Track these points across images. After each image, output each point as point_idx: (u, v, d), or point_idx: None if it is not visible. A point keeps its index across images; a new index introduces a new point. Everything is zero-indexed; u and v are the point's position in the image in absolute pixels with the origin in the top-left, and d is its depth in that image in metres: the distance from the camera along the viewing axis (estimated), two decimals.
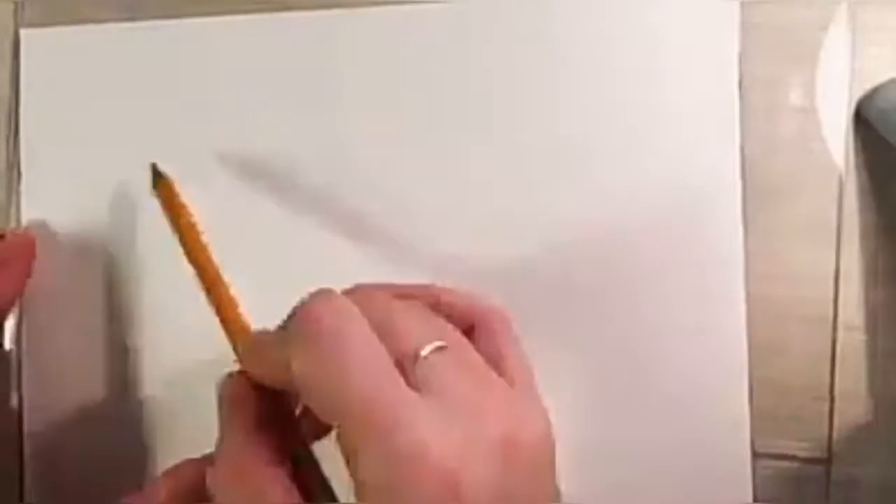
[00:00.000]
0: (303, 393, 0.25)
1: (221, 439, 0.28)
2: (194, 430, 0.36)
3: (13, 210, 0.38)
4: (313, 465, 0.28)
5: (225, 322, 0.31)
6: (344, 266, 0.36)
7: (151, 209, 0.37)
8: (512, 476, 0.25)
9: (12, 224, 0.37)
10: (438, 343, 0.26)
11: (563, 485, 0.34)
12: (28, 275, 0.36)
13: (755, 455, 0.34)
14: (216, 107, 0.37)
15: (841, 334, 0.34)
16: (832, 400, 0.34)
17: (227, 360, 0.36)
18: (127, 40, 0.37)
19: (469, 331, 0.30)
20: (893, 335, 0.34)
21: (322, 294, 0.26)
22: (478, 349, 0.29)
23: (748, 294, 0.34)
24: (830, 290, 0.34)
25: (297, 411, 0.29)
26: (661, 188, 0.34)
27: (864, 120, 0.33)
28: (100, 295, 0.37)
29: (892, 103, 0.32)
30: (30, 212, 0.37)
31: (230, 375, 0.29)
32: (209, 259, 0.32)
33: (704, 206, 0.34)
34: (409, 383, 0.25)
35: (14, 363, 0.37)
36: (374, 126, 0.36)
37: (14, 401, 0.37)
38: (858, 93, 0.34)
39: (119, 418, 0.37)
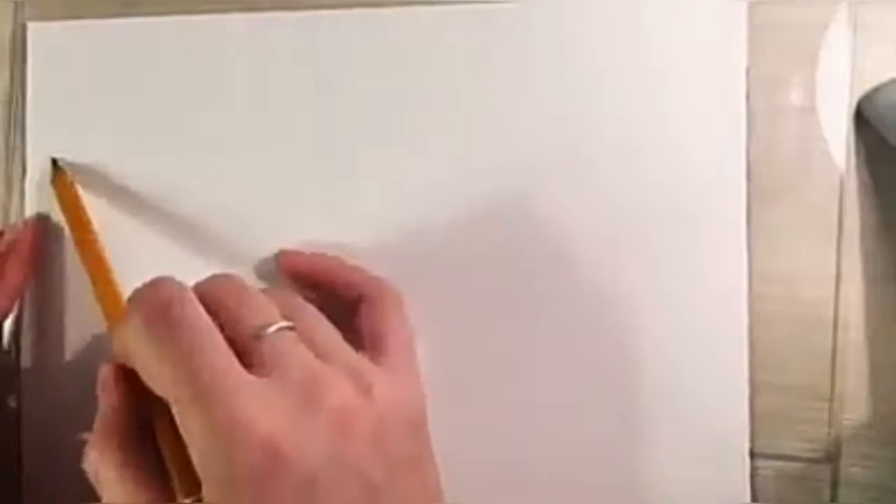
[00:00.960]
0: (139, 371, 0.27)
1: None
2: None
3: (15, 207, 0.38)
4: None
5: (106, 314, 0.33)
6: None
7: (153, 205, 0.37)
8: (352, 445, 0.26)
9: (14, 221, 0.37)
10: (283, 323, 0.28)
11: (564, 484, 0.34)
12: (30, 270, 0.36)
13: (755, 455, 0.34)
14: (221, 103, 0.37)
15: (841, 334, 0.34)
16: (832, 400, 0.34)
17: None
18: (134, 35, 0.37)
19: (356, 304, 0.33)
20: (894, 335, 0.34)
21: (157, 279, 0.29)
22: (358, 321, 0.32)
23: (749, 294, 0.34)
24: (831, 289, 0.34)
25: None
26: (665, 188, 0.34)
27: (864, 119, 0.33)
28: None
29: (893, 103, 0.32)
30: (32, 206, 0.37)
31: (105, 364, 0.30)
32: (98, 256, 0.34)
33: (708, 205, 0.34)
34: (246, 363, 0.26)
35: (13, 361, 0.37)
36: (375, 127, 0.36)
37: (13, 399, 0.37)
38: (859, 92, 0.34)
39: None
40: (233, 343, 0.27)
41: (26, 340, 0.37)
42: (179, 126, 0.37)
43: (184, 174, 0.37)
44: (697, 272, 0.34)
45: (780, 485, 0.34)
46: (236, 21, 0.37)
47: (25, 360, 0.37)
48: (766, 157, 0.34)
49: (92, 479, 0.29)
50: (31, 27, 0.38)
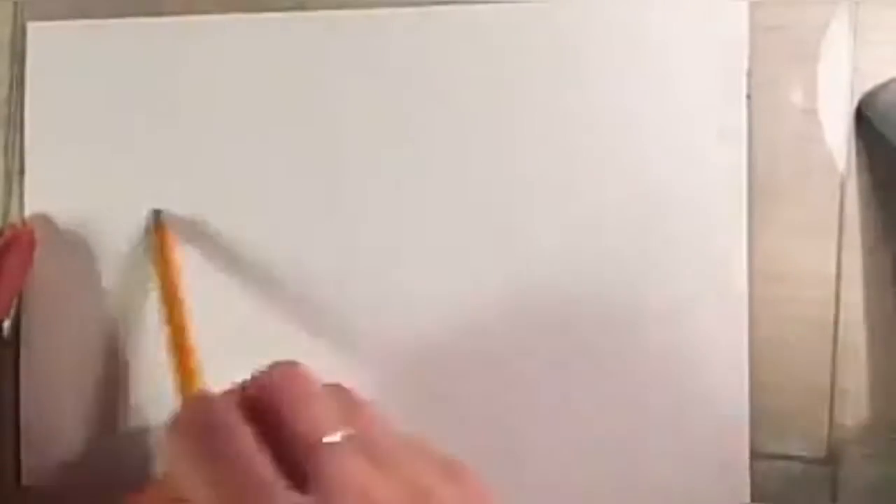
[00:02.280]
0: (184, 492, 0.26)
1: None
2: None
3: (15, 206, 0.38)
4: None
5: (178, 385, 0.32)
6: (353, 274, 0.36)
7: (152, 205, 0.37)
8: None
9: (13, 220, 0.37)
10: (342, 432, 0.26)
11: (564, 485, 0.34)
12: (28, 268, 0.36)
13: (755, 455, 0.34)
14: (222, 103, 0.37)
15: (842, 334, 0.34)
16: (832, 400, 0.34)
17: (227, 358, 0.36)
18: (134, 35, 0.37)
19: None
20: (894, 335, 0.34)
21: (201, 398, 0.27)
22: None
23: (749, 294, 0.34)
24: (832, 289, 0.34)
25: None
26: (666, 188, 0.34)
27: (865, 119, 0.33)
28: (100, 292, 0.37)
29: (893, 103, 0.32)
30: (32, 207, 0.37)
31: None
32: (182, 324, 0.34)
33: (709, 205, 0.34)
34: (298, 476, 0.25)
35: (12, 359, 0.37)
36: (376, 128, 0.36)
37: (12, 397, 0.37)
38: (859, 92, 0.34)
39: (118, 415, 0.37)
40: (285, 454, 0.25)
41: (26, 340, 0.37)
42: (179, 126, 0.37)
43: (184, 173, 0.37)
44: (698, 272, 0.34)
45: (780, 485, 0.34)
46: (236, 21, 0.37)
47: (25, 360, 0.37)
48: (767, 158, 0.34)
49: None
50: (31, 27, 0.38)
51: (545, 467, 0.35)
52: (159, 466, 0.28)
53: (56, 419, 0.37)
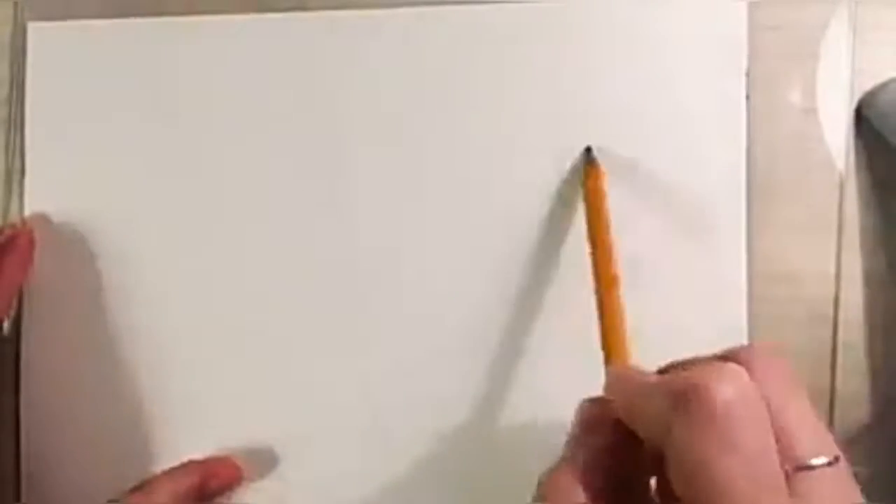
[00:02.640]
0: (672, 462, 0.24)
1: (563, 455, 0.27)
2: (195, 427, 0.36)
3: (15, 206, 0.38)
4: None
5: (606, 332, 0.30)
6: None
7: (153, 205, 0.37)
8: None
9: (13, 220, 0.37)
10: (829, 457, 0.24)
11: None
12: (28, 267, 0.36)
13: None
14: (222, 103, 0.37)
15: (842, 334, 0.34)
16: (832, 400, 0.34)
17: (228, 358, 0.36)
18: (134, 36, 0.37)
19: None
20: (894, 335, 0.34)
21: (726, 371, 0.25)
22: None
23: (749, 293, 0.34)
24: (831, 289, 0.34)
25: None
26: (666, 187, 0.34)
27: (864, 119, 0.33)
28: (100, 291, 0.37)
29: (893, 103, 0.32)
30: (32, 207, 0.37)
31: (591, 400, 0.28)
32: (610, 261, 0.32)
33: (708, 205, 0.34)
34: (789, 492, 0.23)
35: (12, 358, 0.37)
36: (376, 128, 0.36)
37: (12, 396, 0.37)
38: (859, 92, 0.34)
39: (118, 415, 0.36)
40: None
41: (27, 339, 0.37)
42: (179, 126, 0.37)
43: (185, 174, 0.37)
44: (698, 272, 0.34)
45: None
46: (237, 22, 0.37)
47: (26, 359, 0.37)
48: (767, 157, 0.34)
49: None
50: (31, 27, 0.38)
51: (543, 467, 0.35)
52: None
53: (56, 418, 0.37)
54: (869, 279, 0.34)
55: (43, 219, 0.37)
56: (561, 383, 0.34)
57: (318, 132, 0.36)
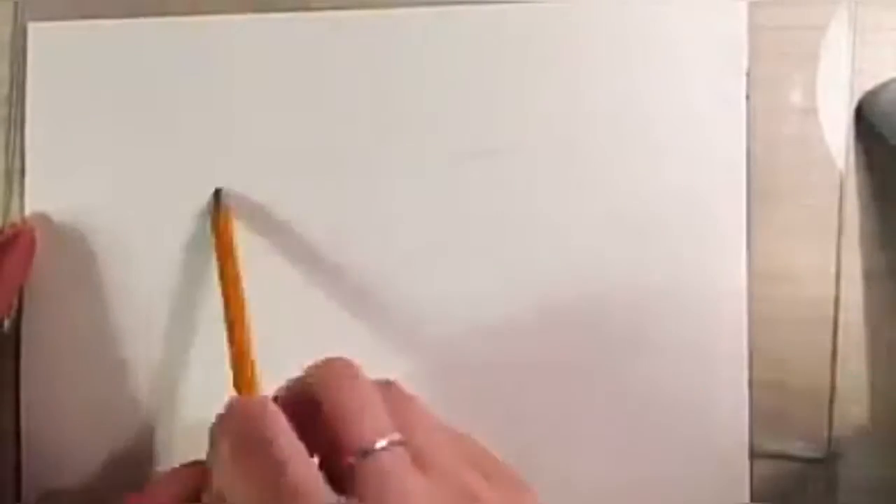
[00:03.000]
0: (225, 494, 0.26)
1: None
2: (196, 427, 0.36)
3: (15, 206, 0.38)
4: None
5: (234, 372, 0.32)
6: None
7: (153, 205, 0.37)
8: None
9: (13, 220, 0.37)
10: (392, 438, 0.25)
11: (564, 485, 0.34)
12: (29, 266, 0.36)
13: (755, 455, 0.34)
14: (223, 103, 0.37)
15: (841, 334, 0.34)
16: (832, 400, 0.34)
17: (227, 356, 0.36)
18: (134, 35, 0.37)
19: None
20: (894, 335, 0.34)
21: (241, 401, 0.28)
22: None
23: (749, 293, 0.34)
24: (831, 289, 0.34)
25: None
26: (666, 188, 0.34)
27: (865, 119, 0.33)
28: (101, 290, 0.37)
29: (893, 103, 0.32)
30: (33, 206, 0.37)
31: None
32: (241, 314, 0.33)
33: (709, 205, 0.34)
34: (346, 482, 0.25)
35: (12, 358, 0.37)
36: (376, 128, 0.36)
37: (12, 395, 0.37)
38: (859, 92, 0.34)
39: (118, 414, 0.37)
40: (331, 456, 0.26)
41: (27, 338, 0.37)
42: (180, 127, 0.37)
43: (185, 174, 0.37)
44: (697, 272, 0.34)
45: (779, 484, 0.34)
46: (238, 22, 0.37)
47: (26, 358, 0.37)
48: (767, 157, 0.34)
49: None
50: (31, 27, 0.38)
51: (543, 468, 0.35)
52: (208, 461, 0.28)
53: (56, 418, 0.37)
54: (869, 279, 0.34)
55: (43, 218, 0.37)
56: None
57: (322, 132, 0.36)
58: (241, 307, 0.33)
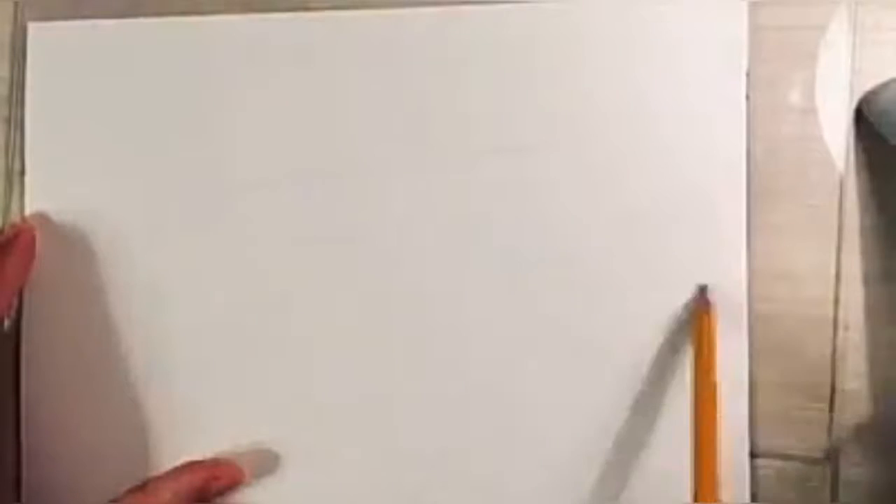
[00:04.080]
0: None
1: None
2: (196, 426, 0.36)
3: (15, 205, 0.38)
4: None
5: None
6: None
7: (153, 205, 0.37)
8: None
9: (14, 220, 0.37)
10: None
11: (564, 484, 0.34)
12: (30, 266, 0.36)
13: (755, 455, 0.34)
14: (222, 103, 0.37)
15: (841, 334, 0.34)
16: (832, 400, 0.34)
17: (227, 356, 0.36)
18: (134, 35, 0.37)
19: None
20: (894, 335, 0.34)
21: None
22: None
23: (749, 293, 0.34)
24: (831, 289, 0.34)
25: None
26: (666, 187, 0.34)
27: (864, 119, 0.33)
28: (101, 290, 0.37)
29: (893, 103, 0.32)
30: (33, 206, 0.37)
31: None
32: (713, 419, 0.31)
33: (709, 205, 0.34)
34: None
35: (12, 357, 0.37)
36: (375, 128, 0.36)
37: (12, 395, 0.37)
38: (859, 93, 0.34)
39: (118, 414, 0.37)
40: None
41: (27, 337, 0.37)
42: (180, 126, 0.37)
43: (185, 173, 0.37)
44: (698, 271, 0.34)
45: (780, 484, 0.34)
46: (238, 22, 0.37)
47: (26, 357, 0.37)
48: (767, 157, 0.34)
49: None
50: (31, 27, 0.38)
51: (543, 467, 0.35)
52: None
53: (56, 417, 0.37)
54: (869, 278, 0.34)
55: (43, 218, 0.37)
56: None
57: (321, 132, 0.36)
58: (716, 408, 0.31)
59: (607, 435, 0.34)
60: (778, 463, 0.34)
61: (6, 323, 0.37)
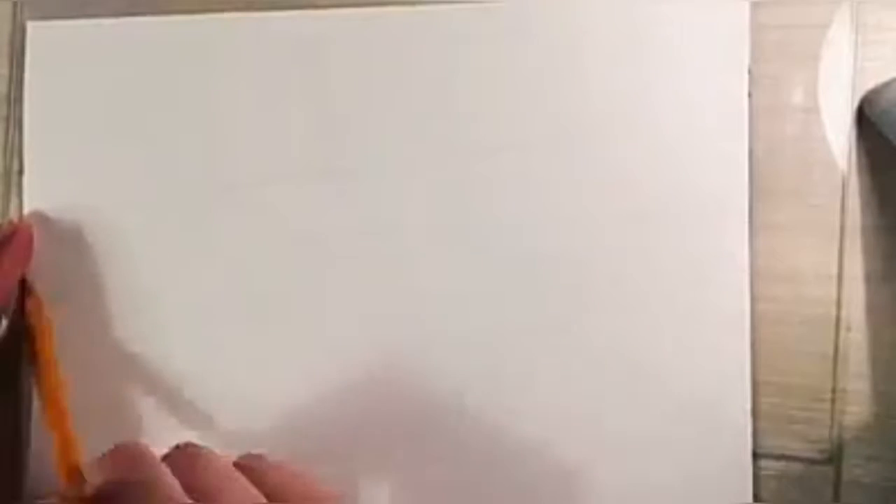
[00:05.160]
0: None
1: None
2: (197, 426, 0.36)
3: (14, 205, 0.38)
4: None
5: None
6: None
7: (153, 204, 0.37)
8: None
9: (12, 218, 0.37)
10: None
11: (564, 485, 0.34)
12: (27, 262, 0.36)
13: (757, 455, 0.34)
14: (222, 102, 0.36)
15: (843, 334, 0.34)
16: (834, 400, 0.34)
17: (226, 355, 0.36)
18: (134, 35, 0.37)
19: None
20: (895, 335, 0.34)
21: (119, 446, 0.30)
22: None
23: (751, 293, 0.34)
24: (833, 289, 0.34)
25: None
26: (667, 187, 0.34)
27: (866, 119, 0.33)
28: (100, 289, 0.37)
29: (895, 102, 0.32)
30: (31, 206, 0.37)
31: None
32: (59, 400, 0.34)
33: (710, 205, 0.34)
34: None
35: (13, 359, 0.37)
36: (375, 127, 0.36)
37: (12, 396, 0.37)
38: (861, 92, 0.34)
39: (118, 412, 0.37)
40: None
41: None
42: (179, 126, 0.37)
43: (185, 173, 0.37)
44: (699, 271, 0.34)
45: (782, 485, 0.34)
46: (237, 21, 0.37)
47: (26, 358, 0.37)
48: (768, 157, 0.34)
49: None
50: (31, 27, 0.38)
51: (543, 467, 0.35)
52: None
53: None
54: (870, 279, 0.34)
55: (42, 217, 0.37)
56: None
57: (322, 130, 0.36)
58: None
59: (607, 435, 0.34)
60: (780, 464, 0.34)
61: (4, 321, 0.37)
